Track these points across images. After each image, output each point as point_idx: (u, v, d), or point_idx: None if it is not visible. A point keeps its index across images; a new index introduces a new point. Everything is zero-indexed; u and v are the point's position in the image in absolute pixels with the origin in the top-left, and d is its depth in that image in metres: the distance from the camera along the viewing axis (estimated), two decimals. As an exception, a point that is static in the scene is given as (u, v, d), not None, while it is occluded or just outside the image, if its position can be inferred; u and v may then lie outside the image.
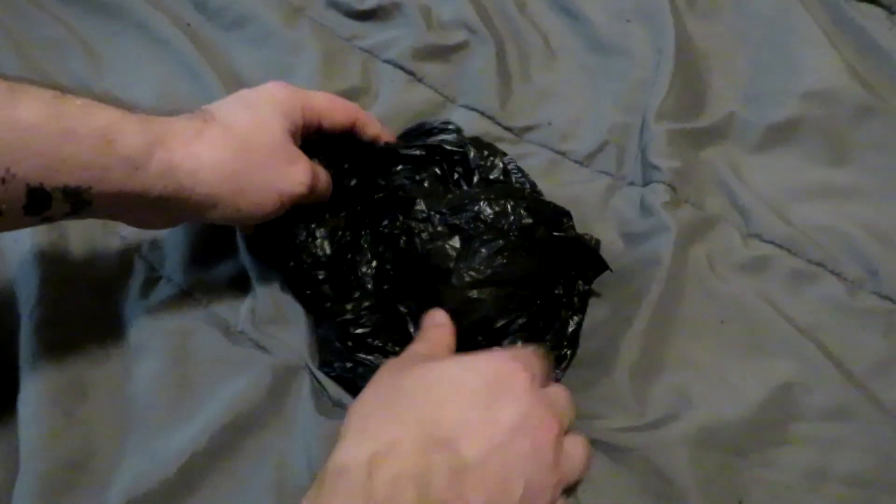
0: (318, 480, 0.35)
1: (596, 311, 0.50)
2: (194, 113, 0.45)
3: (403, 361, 0.41)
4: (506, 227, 0.46)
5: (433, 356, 0.42)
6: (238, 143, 0.44)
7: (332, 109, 0.50)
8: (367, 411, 0.38)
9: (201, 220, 0.46)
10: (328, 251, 0.49)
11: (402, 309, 0.46)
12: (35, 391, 0.44)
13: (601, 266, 0.49)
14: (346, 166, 0.51)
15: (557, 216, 0.49)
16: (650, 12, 0.66)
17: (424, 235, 0.46)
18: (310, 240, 0.49)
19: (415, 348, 0.43)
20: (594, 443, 0.43)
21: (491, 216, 0.46)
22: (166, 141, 0.41)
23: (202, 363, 0.47)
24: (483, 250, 0.45)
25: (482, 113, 0.61)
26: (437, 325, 0.44)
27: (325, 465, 0.36)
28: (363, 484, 0.34)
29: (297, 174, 0.46)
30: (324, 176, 0.49)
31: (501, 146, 0.59)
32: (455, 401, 0.37)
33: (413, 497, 0.34)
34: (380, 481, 0.34)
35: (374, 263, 0.48)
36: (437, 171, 0.51)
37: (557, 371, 0.47)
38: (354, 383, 0.45)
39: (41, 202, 0.38)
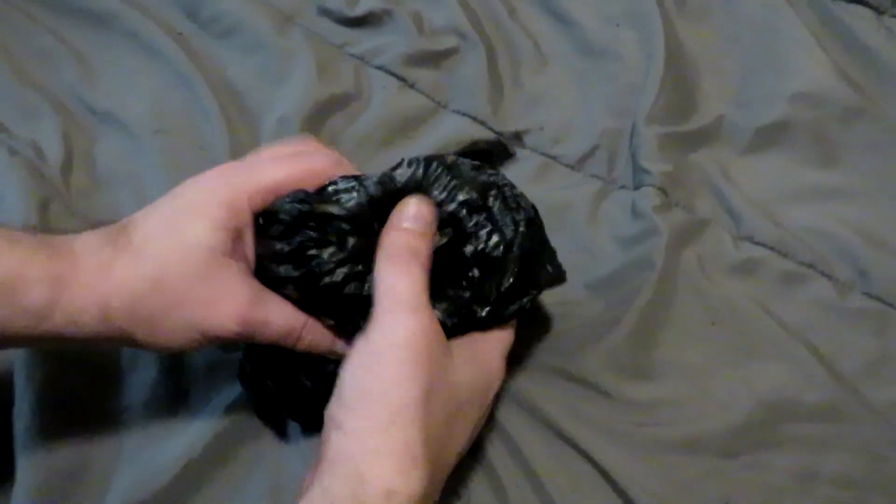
0: (321, 469, 0.36)
1: (586, 314, 0.50)
2: (110, 231, 0.39)
3: (385, 342, 0.39)
4: None
5: (417, 331, 0.40)
6: (151, 278, 0.38)
7: (287, 181, 0.41)
8: (354, 392, 0.38)
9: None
10: None
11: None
12: (30, 402, 0.44)
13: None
14: None
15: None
16: (640, 16, 0.66)
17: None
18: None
19: (392, 294, 0.40)
20: (580, 443, 0.43)
21: None
22: (72, 284, 0.37)
23: (196, 372, 0.47)
24: None
25: (474, 118, 0.62)
26: (412, 229, 0.41)
27: (324, 449, 0.37)
28: (353, 490, 0.35)
29: (221, 316, 0.39)
30: (280, 314, 0.40)
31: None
32: (448, 412, 0.39)
33: None
34: (371, 491, 0.35)
35: None
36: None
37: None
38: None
39: None
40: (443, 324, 0.40)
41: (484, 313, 0.42)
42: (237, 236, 0.40)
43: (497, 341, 0.43)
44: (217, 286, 0.39)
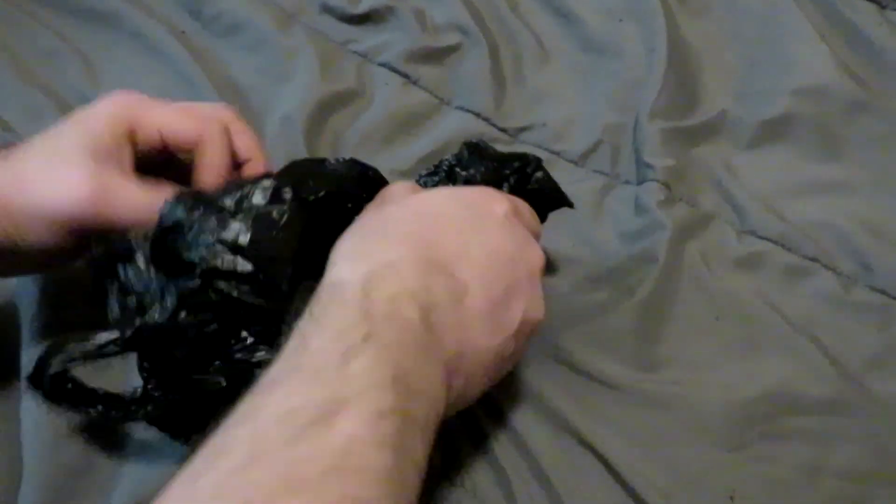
0: (313, 302, 0.34)
1: (590, 308, 0.51)
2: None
3: (384, 197, 0.41)
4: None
5: (413, 190, 0.41)
6: (14, 170, 0.39)
7: (174, 123, 0.41)
8: (356, 238, 0.37)
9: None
10: None
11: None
12: (37, 399, 0.44)
13: None
14: None
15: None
16: (642, 12, 0.66)
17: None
18: None
19: (395, 187, 0.42)
20: (585, 435, 0.43)
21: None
22: None
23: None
24: None
25: (477, 114, 0.62)
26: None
27: (318, 290, 0.34)
28: (359, 301, 0.32)
29: (61, 192, 0.38)
30: (129, 198, 0.39)
31: (497, 147, 0.60)
32: (445, 226, 0.37)
33: (416, 315, 0.33)
34: (378, 298, 0.32)
35: None
36: None
37: None
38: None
39: None
40: None
41: None
42: (107, 150, 0.40)
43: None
44: (63, 167, 0.39)
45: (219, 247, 0.37)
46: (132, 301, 0.38)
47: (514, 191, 0.45)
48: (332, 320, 0.32)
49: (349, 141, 0.59)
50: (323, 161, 0.42)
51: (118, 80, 0.62)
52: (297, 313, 0.34)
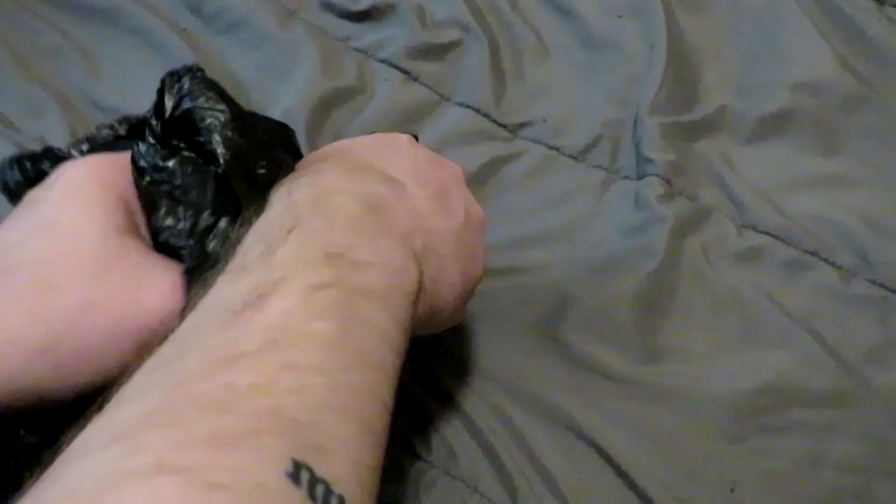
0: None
1: (590, 301, 0.51)
2: None
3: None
4: None
5: None
6: (32, 301, 0.29)
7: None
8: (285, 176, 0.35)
9: None
10: None
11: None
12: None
13: None
14: None
15: None
16: (642, 7, 0.66)
17: None
18: None
19: None
20: (585, 429, 0.44)
21: None
22: None
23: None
24: None
25: (477, 110, 0.62)
26: None
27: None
28: (283, 204, 0.31)
29: (151, 296, 0.31)
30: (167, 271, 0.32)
31: (496, 143, 0.60)
32: (362, 148, 0.38)
33: (352, 205, 0.32)
34: (302, 199, 0.31)
35: None
36: None
37: None
38: None
39: None
40: None
41: None
42: (123, 208, 0.33)
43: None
44: (134, 265, 0.31)
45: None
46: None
47: None
48: (256, 228, 0.31)
49: (350, 136, 0.59)
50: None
51: (119, 76, 0.63)
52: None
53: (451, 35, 0.66)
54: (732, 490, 0.44)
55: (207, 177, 0.35)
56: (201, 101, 0.37)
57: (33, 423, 0.32)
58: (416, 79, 0.64)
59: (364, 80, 0.64)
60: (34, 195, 0.33)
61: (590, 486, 0.43)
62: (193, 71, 0.40)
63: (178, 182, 0.35)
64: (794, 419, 0.47)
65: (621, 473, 0.44)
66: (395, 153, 0.39)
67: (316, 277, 0.28)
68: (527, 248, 0.54)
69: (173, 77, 0.39)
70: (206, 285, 0.29)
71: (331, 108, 0.61)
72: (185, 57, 0.62)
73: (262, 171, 0.36)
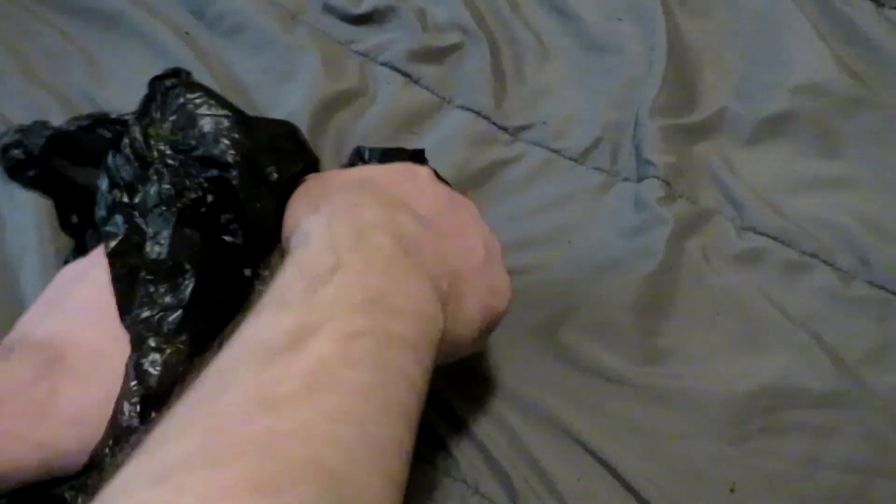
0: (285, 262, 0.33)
1: (590, 304, 0.51)
2: (36, 359, 0.34)
3: (321, 174, 0.41)
4: None
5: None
6: (107, 402, 0.33)
7: None
8: (310, 196, 0.37)
9: None
10: None
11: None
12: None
13: None
14: None
15: None
16: (642, 10, 0.67)
17: None
18: None
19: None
20: (582, 433, 0.44)
21: None
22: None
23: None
24: None
25: (478, 113, 0.62)
26: None
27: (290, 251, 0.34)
28: (324, 238, 0.32)
29: None
30: None
31: (497, 146, 0.61)
32: (388, 181, 0.39)
33: (389, 242, 0.33)
34: (342, 233, 0.33)
35: None
36: None
37: None
38: None
39: None
40: None
41: None
42: None
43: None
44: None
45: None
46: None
47: None
48: (297, 260, 0.32)
49: (352, 139, 0.60)
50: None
51: (122, 79, 0.63)
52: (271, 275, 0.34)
53: (451, 38, 0.66)
54: (732, 491, 0.44)
55: (171, 217, 0.35)
56: (203, 108, 0.37)
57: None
58: (417, 82, 0.64)
59: (366, 83, 0.64)
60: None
61: (589, 488, 0.43)
62: (181, 75, 0.40)
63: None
64: (794, 420, 0.47)
65: (619, 476, 0.44)
66: (418, 189, 0.40)
67: (354, 324, 0.29)
68: (527, 250, 0.54)
69: (161, 82, 0.39)
70: (246, 312, 0.30)
71: (333, 110, 0.61)
72: (187, 60, 0.63)
73: (274, 174, 0.37)
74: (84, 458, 0.33)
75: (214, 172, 0.37)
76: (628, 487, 0.43)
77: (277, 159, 0.38)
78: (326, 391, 0.27)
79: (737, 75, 0.64)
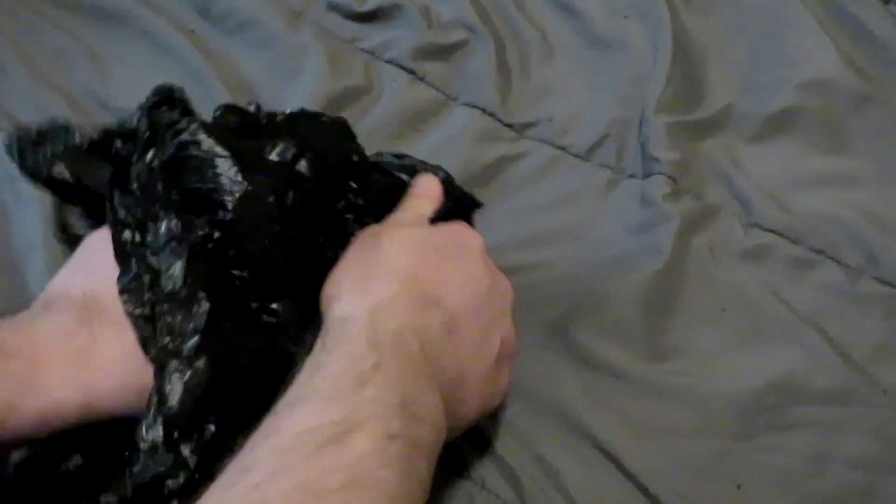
0: (322, 335, 0.36)
1: (597, 301, 0.51)
2: (75, 311, 0.37)
3: (381, 228, 0.43)
4: None
5: (411, 225, 0.43)
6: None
7: None
8: (356, 273, 0.40)
9: None
10: None
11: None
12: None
13: None
14: None
15: None
16: (647, 7, 0.67)
17: None
18: None
19: (398, 216, 0.44)
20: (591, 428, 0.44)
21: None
22: (36, 382, 0.34)
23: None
24: None
25: (483, 110, 0.62)
26: (424, 195, 0.45)
27: (325, 322, 0.37)
28: (367, 332, 0.35)
29: None
30: None
31: (503, 143, 0.61)
32: (433, 261, 0.40)
33: (416, 348, 0.36)
34: (384, 331, 0.35)
35: None
36: None
37: None
38: None
39: None
40: None
41: None
42: None
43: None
44: None
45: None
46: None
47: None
48: (344, 350, 0.35)
49: (358, 137, 0.60)
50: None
51: (128, 78, 0.63)
52: (309, 349, 0.36)
53: (457, 35, 0.66)
54: (739, 487, 0.44)
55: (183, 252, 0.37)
56: (203, 147, 0.38)
57: (72, 449, 0.37)
58: (422, 79, 0.64)
59: (371, 81, 0.64)
60: None
61: (596, 483, 0.44)
62: (174, 92, 0.41)
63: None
64: (801, 417, 0.47)
65: (627, 471, 0.44)
66: (462, 269, 0.41)
67: (391, 427, 0.32)
68: (533, 247, 0.54)
69: (159, 116, 0.40)
70: (292, 399, 0.33)
71: (338, 108, 0.61)
72: (192, 58, 0.63)
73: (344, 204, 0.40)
74: (122, 403, 0.36)
75: (217, 213, 0.38)
76: (636, 483, 0.43)
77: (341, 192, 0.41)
78: (364, 488, 0.30)
79: (742, 72, 0.64)
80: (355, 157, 0.44)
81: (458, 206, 0.47)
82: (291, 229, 0.39)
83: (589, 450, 0.45)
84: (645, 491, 0.43)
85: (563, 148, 0.61)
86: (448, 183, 0.47)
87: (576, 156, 0.60)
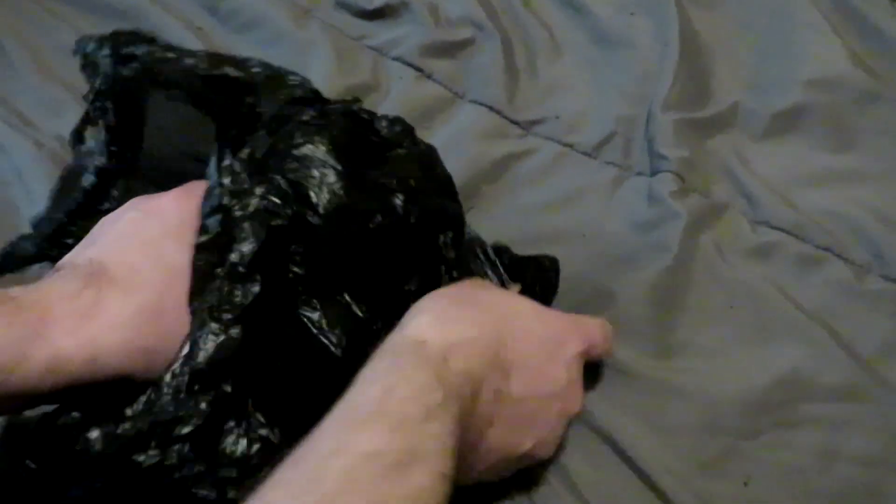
0: (392, 343, 0.37)
1: (604, 298, 0.51)
2: (82, 273, 0.38)
3: (485, 284, 0.45)
4: None
5: (530, 302, 0.45)
6: (149, 309, 0.38)
7: None
8: (446, 303, 0.40)
9: None
10: None
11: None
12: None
13: None
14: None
15: None
16: (654, 5, 0.67)
17: None
18: None
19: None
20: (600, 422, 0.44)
21: None
22: (45, 331, 0.35)
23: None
24: None
25: (490, 107, 0.62)
26: (586, 335, 0.45)
27: (402, 333, 0.38)
28: (439, 364, 0.36)
29: None
30: None
31: (510, 140, 0.61)
32: (523, 338, 0.41)
33: (469, 396, 0.37)
34: (453, 371, 0.36)
35: None
36: None
37: None
38: None
39: None
40: None
41: None
42: None
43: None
44: None
45: None
46: None
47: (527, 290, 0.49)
48: (416, 378, 0.35)
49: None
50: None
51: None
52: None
53: (464, 33, 0.66)
54: (746, 484, 0.44)
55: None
56: (318, 155, 0.41)
57: (70, 404, 0.37)
58: (429, 76, 0.64)
59: (378, 78, 0.64)
60: None
61: (605, 479, 0.44)
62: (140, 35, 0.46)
63: None
64: (808, 414, 0.47)
65: (636, 467, 0.44)
66: (540, 365, 0.42)
67: (446, 467, 0.33)
68: (541, 244, 0.54)
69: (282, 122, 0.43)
70: (362, 415, 0.34)
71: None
72: (201, 55, 0.63)
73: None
74: (126, 362, 0.37)
75: (307, 213, 0.40)
76: (644, 478, 0.43)
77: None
78: None
79: (749, 69, 0.64)
80: (451, 213, 0.46)
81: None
82: (369, 246, 0.41)
83: (598, 445, 0.45)
84: (653, 486, 0.43)
85: (570, 145, 0.61)
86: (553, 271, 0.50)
87: (583, 153, 0.60)
